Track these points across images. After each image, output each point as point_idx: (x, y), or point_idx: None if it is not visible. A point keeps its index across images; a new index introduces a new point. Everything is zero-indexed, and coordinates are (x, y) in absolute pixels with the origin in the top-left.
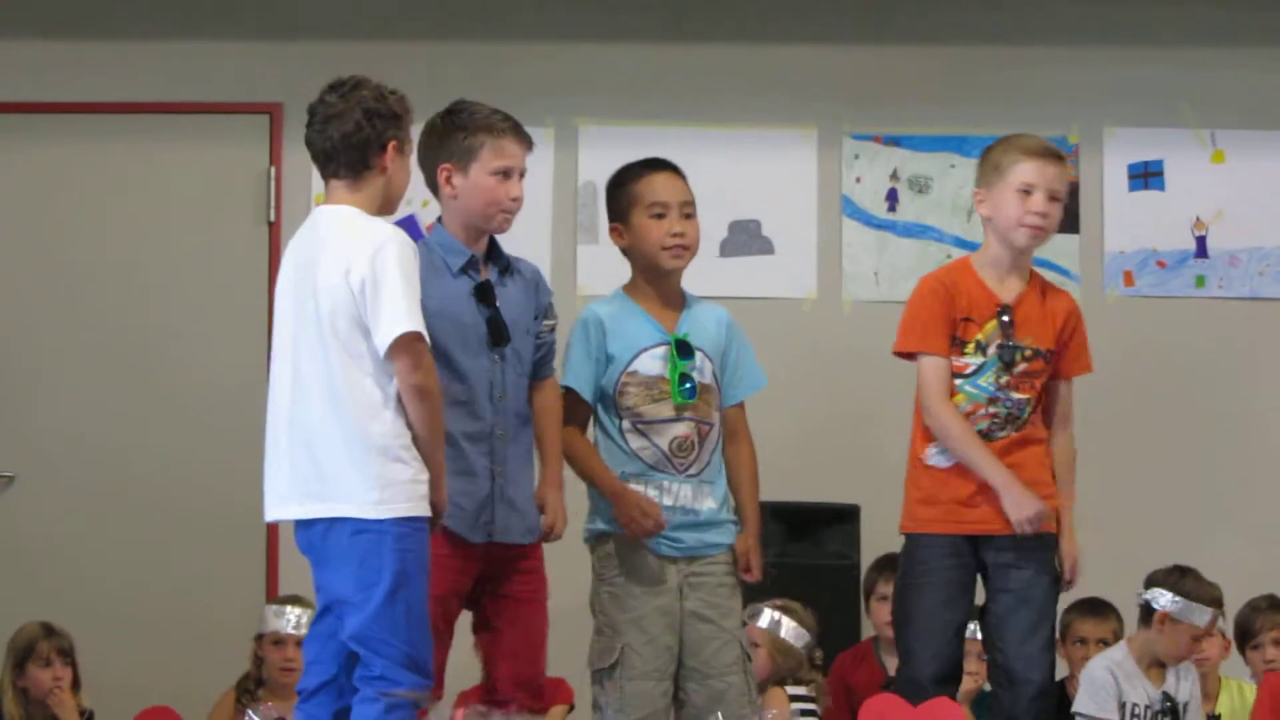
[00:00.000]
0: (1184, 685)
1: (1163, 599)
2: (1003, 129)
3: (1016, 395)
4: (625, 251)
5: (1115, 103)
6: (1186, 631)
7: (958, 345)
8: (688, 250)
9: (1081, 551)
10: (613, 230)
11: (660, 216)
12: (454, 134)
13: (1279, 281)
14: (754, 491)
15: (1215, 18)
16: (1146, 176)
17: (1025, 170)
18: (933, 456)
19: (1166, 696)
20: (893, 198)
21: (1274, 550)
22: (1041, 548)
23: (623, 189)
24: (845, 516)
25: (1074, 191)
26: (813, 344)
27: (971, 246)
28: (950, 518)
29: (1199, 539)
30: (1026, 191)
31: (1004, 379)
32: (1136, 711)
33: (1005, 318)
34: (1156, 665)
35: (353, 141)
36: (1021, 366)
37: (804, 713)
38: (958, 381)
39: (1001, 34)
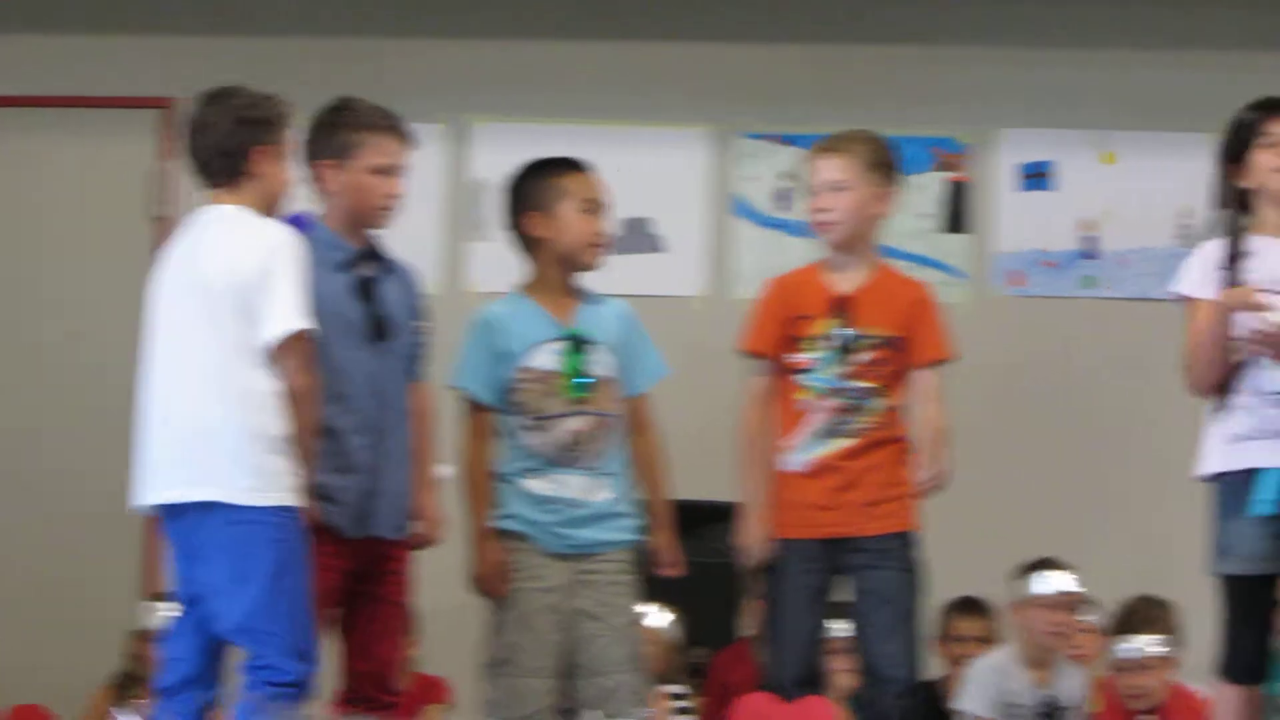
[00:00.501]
0: (1068, 686)
1: (1015, 587)
2: (896, 129)
3: (859, 384)
4: (536, 243)
5: (1007, 104)
6: (1042, 614)
7: (796, 343)
8: (605, 249)
9: (962, 540)
10: (527, 219)
11: (591, 214)
12: (335, 131)
13: (1167, 282)
14: (661, 484)
15: (1106, 18)
16: (1037, 177)
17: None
18: (786, 461)
19: (1046, 697)
20: (785, 197)
21: (1159, 550)
22: (900, 546)
23: (551, 180)
24: (727, 514)
25: (964, 192)
26: (701, 342)
27: None
28: (806, 522)
29: (1084, 539)
30: (815, 191)
31: (844, 369)
32: (1017, 711)
33: (841, 308)
34: (1041, 666)
35: (224, 150)
36: (863, 355)
37: (681, 711)
38: (800, 377)
39: (896, 34)
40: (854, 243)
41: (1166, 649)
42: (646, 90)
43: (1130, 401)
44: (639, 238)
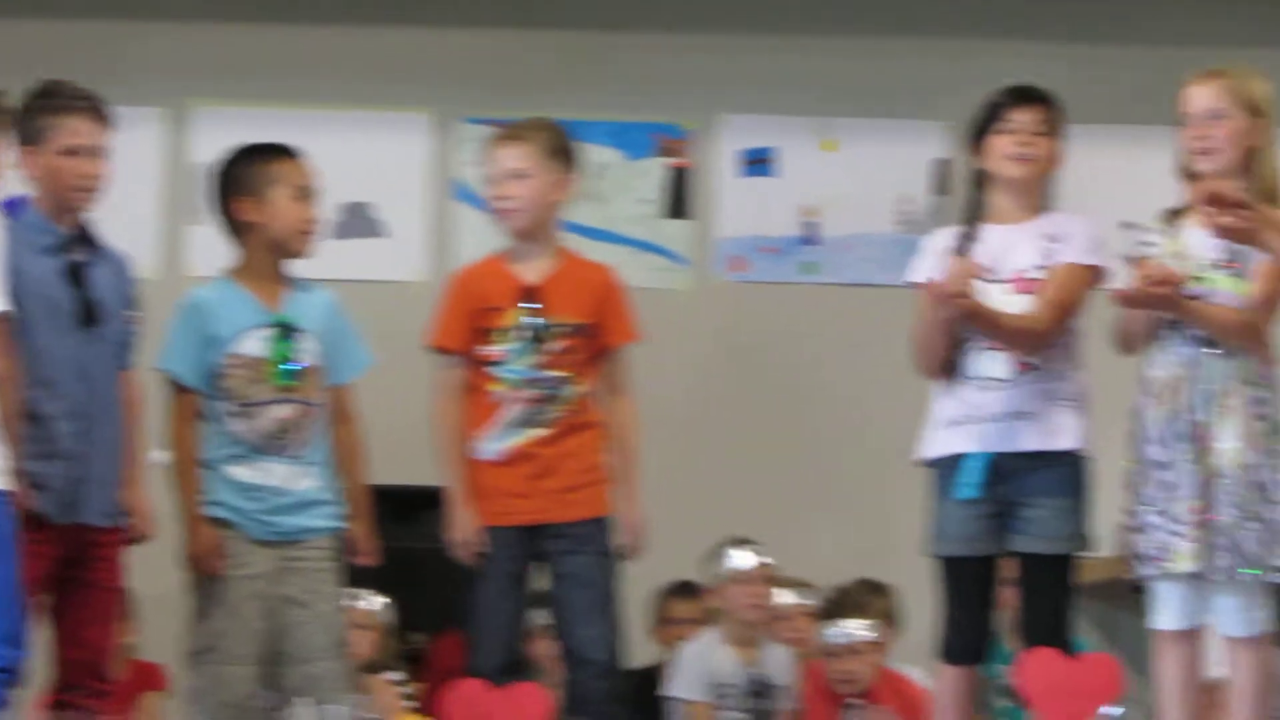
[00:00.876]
0: (776, 665)
1: (711, 567)
2: (618, 114)
3: (553, 374)
4: (245, 228)
5: (728, 90)
6: (738, 591)
7: (486, 335)
8: (312, 235)
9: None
10: (236, 205)
11: (302, 200)
12: (31, 115)
13: (887, 268)
14: (361, 474)
15: (825, 5)
16: (758, 163)
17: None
18: (481, 449)
19: (756, 677)
20: None
21: (877, 534)
22: (598, 531)
23: (262, 166)
24: (443, 499)
25: (686, 178)
26: (421, 327)
27: (584, 231)
28: (504, 510)
29: (805, 523)
30: (496, 179)
31: (538, 359)
32: (727, 692)
33: (530, 298)
34: (747, 645)
35: None
36: (556, 344)
37: (404, 697)
38: (494, 369)
39: (618, 20)
40: (537, 230)
41: (875, 634)
42: (367, 75)
43: (850, 386)
44: (360, 222)
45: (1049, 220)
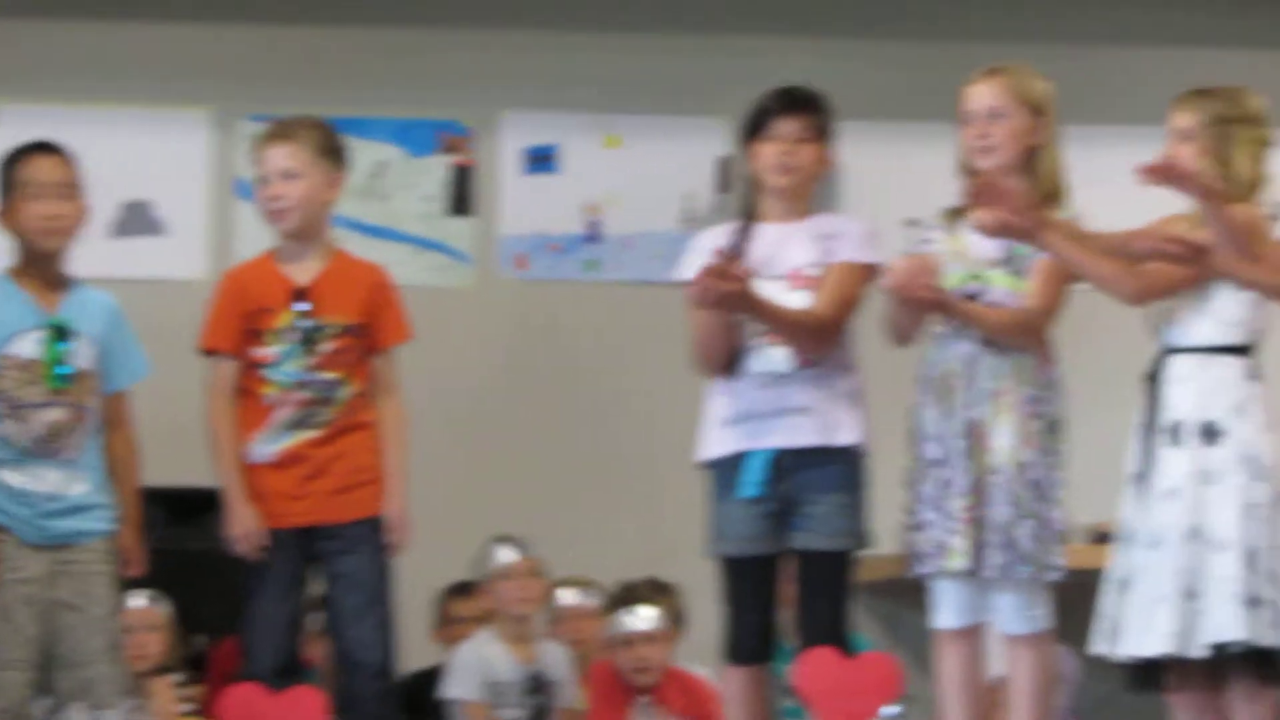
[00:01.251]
0: (552, 661)
1: (479, 566)
2: (400, 111)
3: (325, 375)
4: (12, 233)
5: (510, 87)
6: (507, 586)
7: (258, 337)
8: (60, 233)
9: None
10: (2, 213)
11: (37, 198)
12: None
13: (671, 265)
14: (133, 482)
15: (607, 2)
16: (541, 160)
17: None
18: (254, 452)
19: (532, 674)
20: None
21: (662, 530)
22: (370, 532)
23: (8, 171)
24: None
25: (468, 175)
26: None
27: (367, 229)
28: (277, 512)
29: (589, 522)
30: (266, 179)
31: (309, 360)
32: (503, 689)
33: (301, 299)
34: (521, 641)
35: None
36: (328, 345)
37: (184, 700)
38: (265, 371)
39: (400, 17)
40: (308, 230)
41: (664, 624)
42: (147, 72)
43: (634, 384)
44: (140, 221)
45: (823, 220)
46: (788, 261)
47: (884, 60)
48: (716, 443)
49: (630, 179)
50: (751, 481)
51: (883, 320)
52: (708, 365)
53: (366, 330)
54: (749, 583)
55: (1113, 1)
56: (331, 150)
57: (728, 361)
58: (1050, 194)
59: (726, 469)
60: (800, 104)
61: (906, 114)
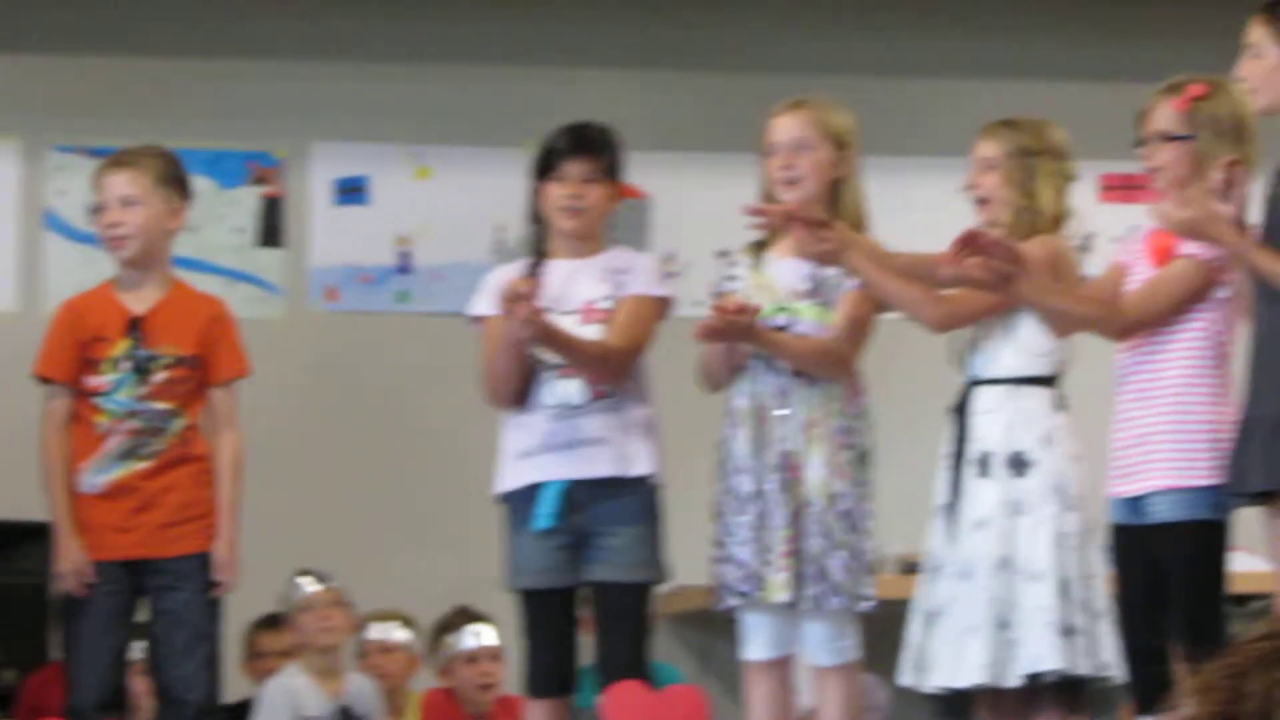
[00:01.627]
0: (360, 695)
1: (284, 600)
2: (210, 142)
3: (158, 406)
4: None
5: (321, 117)
6: (308, 618)
7: (93, 366)
8: None
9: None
10: None
11: None
12: None
13: None
14: None
15: (416, 33)
16: (351, 192)
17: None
18: (84, 482)
19: (339, 707)
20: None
21: (472, 563)
22: (198, 568)
23: None
24: (35, 534)
25: (279, 206)
26: (11, 359)
27: (177, 261)
28: (104, 544)
29: (401, 554)
30: (105, 206)
31: (141, 390)
32: None
33: (136, 328)
34: (329, 676)
35: None
36: (161, 375)
37: None
38: (98, 400)
39: (209, 47)
40: (147, 259)
41: (498, 641)
42: None
43: (446, 416)
44: None
45: (613, 255)
46: (579, 296)
47: (693, 91)
48: (510, 475)
49: (441, 210)
50: (545, 513)
51: (697, 366)
52: (498, 398)
53: (202, 362)
54: (546, 615)
55: (915, 33)
56: (173, 179)
57: (519, 394)
58: (853, 226)
59: (520, 501)
60: (587, 144)
61: (716, 145)
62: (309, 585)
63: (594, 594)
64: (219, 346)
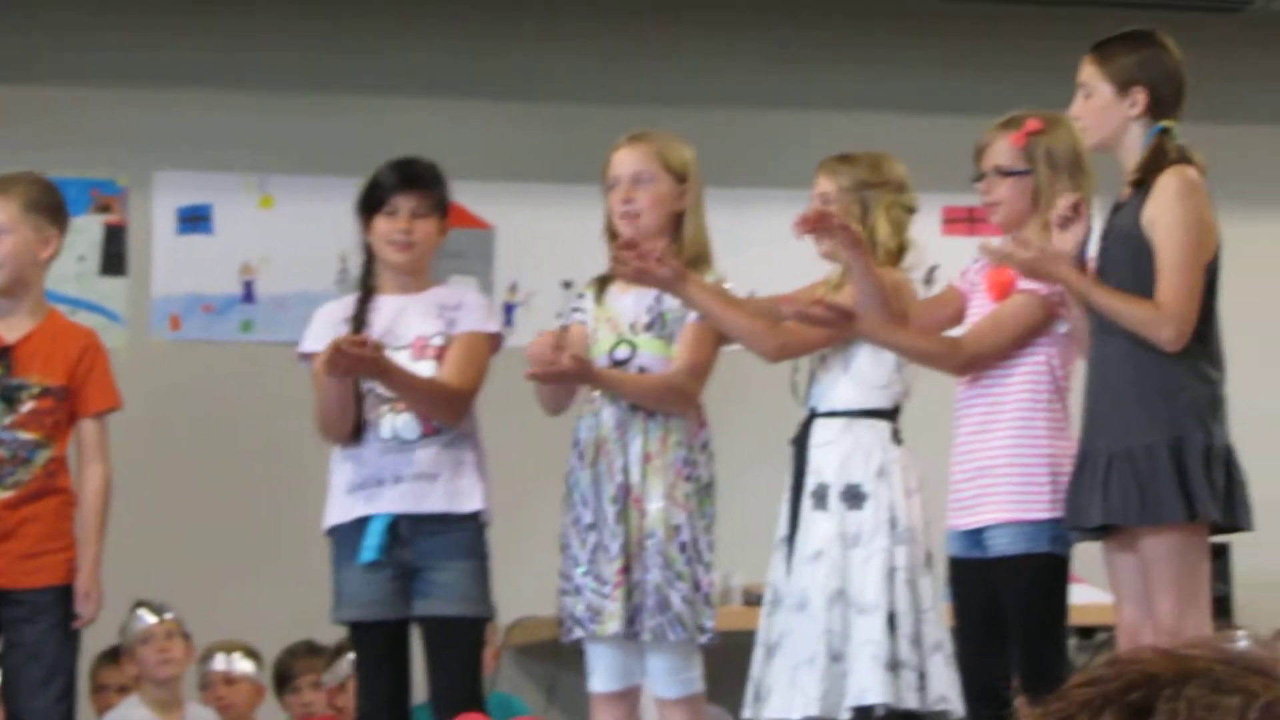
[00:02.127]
0: None
1: (123, 633)
2: (54, 170)
3: (23, 436)
4: None
5: (164, 146)
6: (145, 650)
7: None
8: None
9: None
10: None
11: None
12: None
13: None
14: None
15: (257, 62)
16: (195, 220)
17: None
18: None
19: None
20: None
21: (314, 594)
22: (56, 601)
23: None
24: None
25: (122, 234)
26: None
27: None
28: None
29: (246, 586)
30: None
31: (7, 419)
32: None
33: (4, 357)
34: (168, 708)
35: None
36: (28, 405)
37: None
38: None
39: (52, 74)
40: (17, 288)
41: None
42: None
43: (289, 446)
44: None
45: (443, 290)
46: (410, 332)
47: (537, 122)
48: (338, 509)
49: (284, 239)
50: (371, 546)
51: (535, 391)
52: (330, 433)
53: (70, 394)
54: (377, 649)
55: (757, 65)
56: (43, 206)
57: (351, 428)
58: (695, 259)
59: (348, 535)
60: (416, 179)
61: (560, 176)
62: (147, 617)
63: (424, 629)
64: (90, 378)
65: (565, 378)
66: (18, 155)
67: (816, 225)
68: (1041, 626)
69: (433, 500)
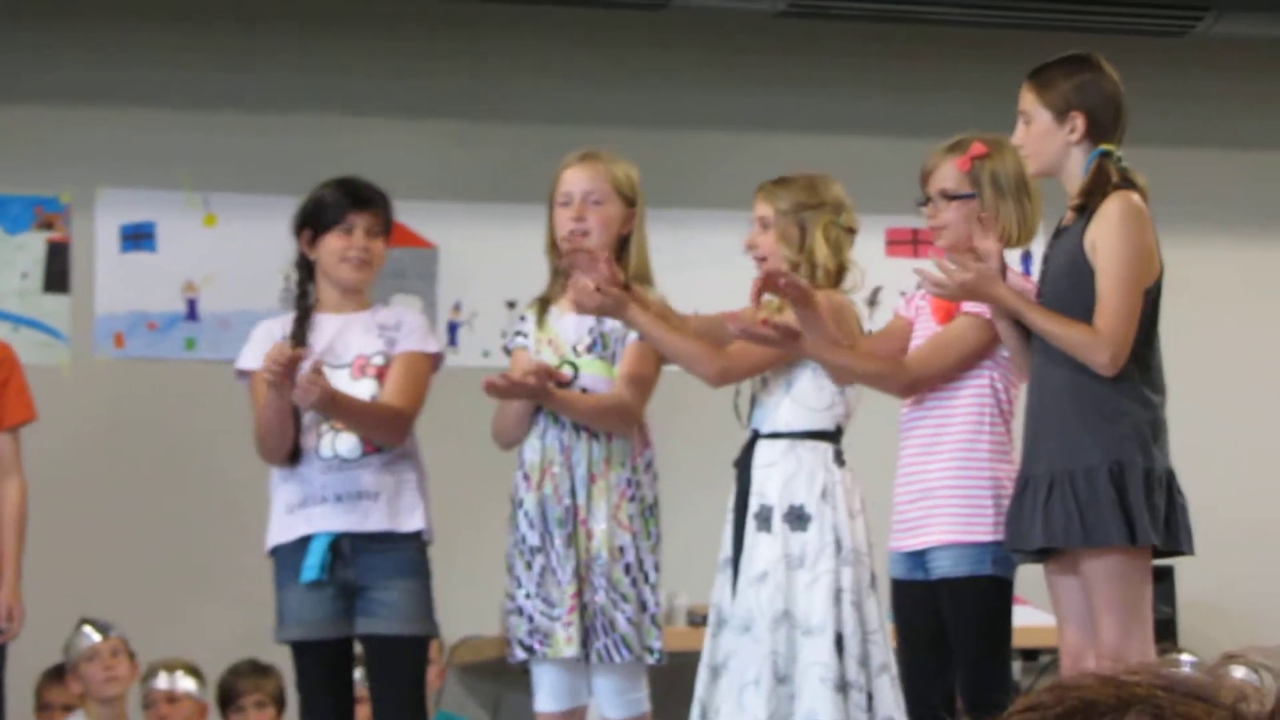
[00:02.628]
0: None
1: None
2: None
3: None
4: None
5: (107, 163)
6: (90, 667)
7: None
8: None
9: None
10: None
11: None
12: None
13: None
14: None
15: (211, 79)
16: (138, 238)
17: None
18: None
19: None
20: None
21: (256, 613)
22: None
23: None
24: None
25: (64, 252)
26: None
27: None
28: None
29: (189, 605)
30: None
31: None
32: None
33: None
34: None
35: None
36: None
37: None
38: None
39: None
40: None
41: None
42: None
43: (233, 464)
44: None
45: (383, 311)
46: (350, 350)
47: (479, 142)
48: (279, 529)
49: (228, 257)
50: (313, 565)
51: (494, 424)
52: (269, 451)
53: None
54: (318, 668)
55: (699, 85)
56: None
57: (290, 448)
58: (638, 280)
59: (290, 554)
60: (373, 199)
61: (503, 196)
62: (92, 634)
63: (367, 649)
64: (3, 391)
65: (523, 393)
66: None
67: (765, 288)
68: (985, 649)
69: (374, 519)
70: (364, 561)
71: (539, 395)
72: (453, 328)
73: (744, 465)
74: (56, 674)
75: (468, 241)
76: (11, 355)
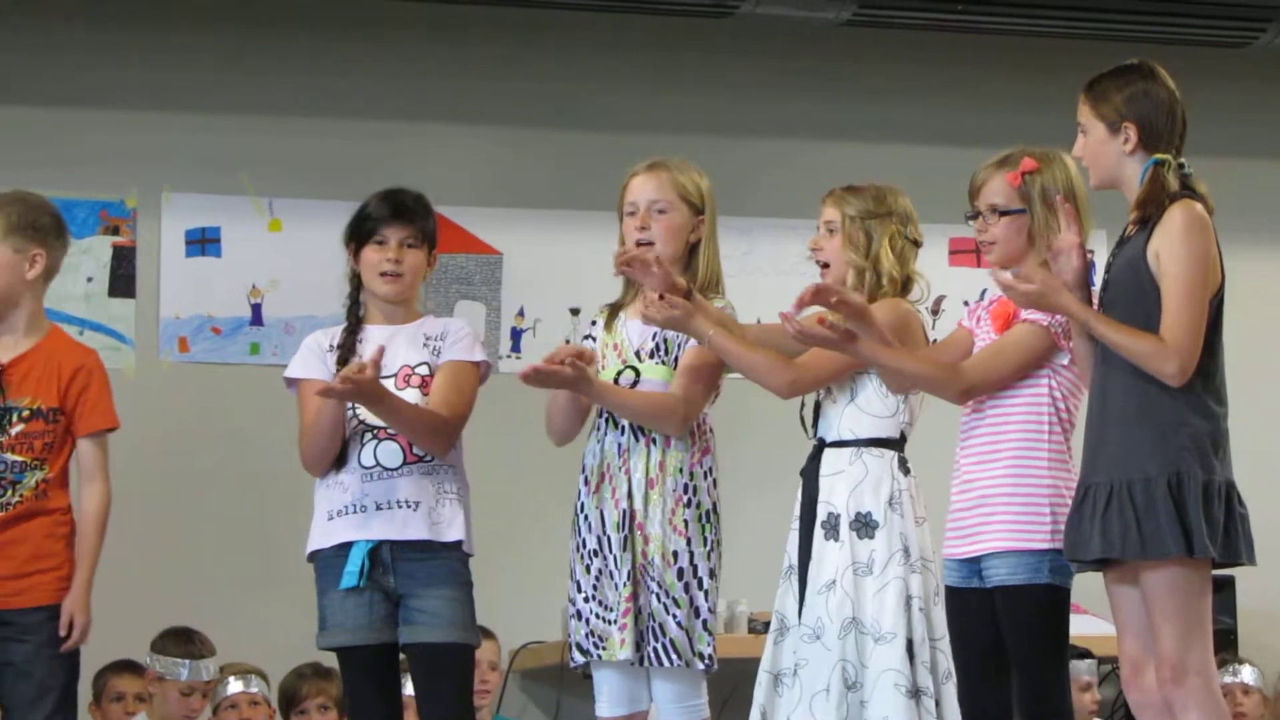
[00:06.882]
0: None
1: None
2: (64, 192)
3: (12, 457)
4: None
5: (173, 168)
6: (173, 688)
7: None
8: None
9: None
10: None
11: None
12: None
13: None
14: None
15: (277, 85)
16: (204, 243)
17: None
18: None
19: None
20: None
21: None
22: (45, 621)
23: None
24: None
25: (130, 256)
26: None
27: None
28: None
29: (254, 607)
30: None
31: None
32: None
33: None
34: None
35: None
36: (18, 427)
37: None
38: None
39: (62, 96)
40: (4, 308)
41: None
42: None
43: (296, 468)
44: None
45: (429, 321)
46: (396, 361)
47: (546, 149)
48: (321, 535)
49: (292, 262)
50: (351, 572)
51: (546, 419)
52: (313, 460)
53: (64, 415)
54: (364, 674)
55: (766, 94)
56: (25, 226)
57: (332, 461)
58: (706, 286)
59: (330, 560)
60: (407, 210)
61: (568, 203)
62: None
63: (411, 657)
64: (84, 398)
65: (559, 382)
66: (28, 176)
67: (817, 302)
68: (1043, 657)
69: (413, 528)
70: (403, 570)
71: (575, 384)
72: (516, 334)
73: (810, 474)
74: (126, 668)
75: (532, 248)
76: (93, 363)
